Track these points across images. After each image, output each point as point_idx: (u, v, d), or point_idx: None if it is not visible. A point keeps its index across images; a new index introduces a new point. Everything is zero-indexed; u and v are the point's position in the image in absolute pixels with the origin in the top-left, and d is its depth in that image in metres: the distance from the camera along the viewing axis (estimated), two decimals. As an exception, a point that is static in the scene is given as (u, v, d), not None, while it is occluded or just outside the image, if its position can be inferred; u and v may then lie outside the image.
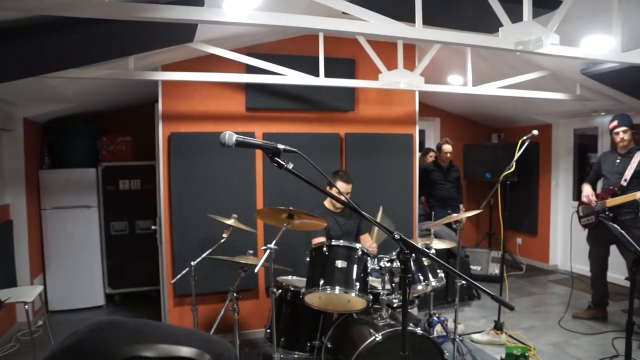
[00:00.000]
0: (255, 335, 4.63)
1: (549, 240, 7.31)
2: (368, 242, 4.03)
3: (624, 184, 4.47)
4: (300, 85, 4.37)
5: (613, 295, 5.09)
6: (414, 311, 4.99)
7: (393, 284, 3.18)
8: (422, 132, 7.85)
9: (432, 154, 6.72)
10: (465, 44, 2.78)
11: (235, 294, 3.45)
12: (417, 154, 5.10)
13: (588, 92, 5.36)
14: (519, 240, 7.83)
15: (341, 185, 3.87)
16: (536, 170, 7.43)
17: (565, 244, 6.54)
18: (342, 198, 1.87)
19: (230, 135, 1.66)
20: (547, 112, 6.71)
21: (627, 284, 3.29)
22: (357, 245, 3.11)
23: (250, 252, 3.73)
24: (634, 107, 5.57)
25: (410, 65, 4.74)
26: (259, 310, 4.61)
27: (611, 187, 4.57)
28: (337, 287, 2.98)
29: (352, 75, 4.70)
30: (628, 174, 4.47)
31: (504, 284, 4.61)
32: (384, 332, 2.90)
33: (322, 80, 4.12)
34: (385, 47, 4.38)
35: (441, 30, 2.71)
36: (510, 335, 4.56)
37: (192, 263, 3.60)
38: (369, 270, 3.08)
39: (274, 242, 3.04)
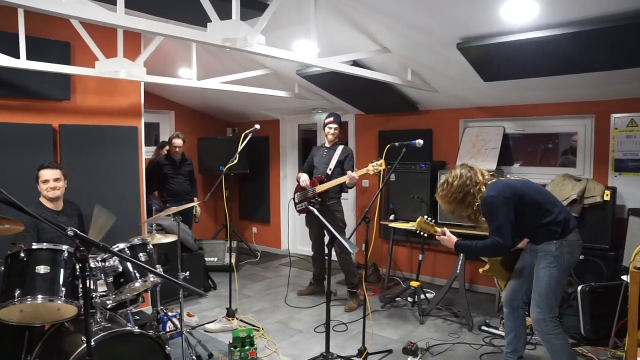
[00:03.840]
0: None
1: (280, 227, 7.95)
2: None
3: (329, 172, 5.13)
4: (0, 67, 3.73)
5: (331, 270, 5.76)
6: (148, 310, 4.83)
7: (107, 284, 3.00)
8: (156, 125, 7.62)
9: (167, 147, 6.59)
10: (171, 35, 2.73)
11: None
12: (144, 147, 4.90)
13: (305, 91, 5.98)
14: (255, 229, 8.30)
15: (46, 172, 3.51)
16: (267, 163, 7.91)
17: (292, 229, 7.20)
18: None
19: None
20: (274, 108, 7.23)
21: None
22: (63, 247, 2.81)
23: None
24: (341, 107, 6.43)
25: (134, 54, 4.51)
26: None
27: (319, 175, 5.18)
28: (40, 296, 2.64)
29: (66, 61, 4.21)
30: (332, 163, 5.14)
31: (234, 272, 4.82)
32: (96, 337, 2.70)
33: (23, 63, 3.58)
34: (106, 32, 4.01)
35: (146, 20, 2.61)
36: (241, 320, 4.79)
37: None
38: (77, 273, 2.83)
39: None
